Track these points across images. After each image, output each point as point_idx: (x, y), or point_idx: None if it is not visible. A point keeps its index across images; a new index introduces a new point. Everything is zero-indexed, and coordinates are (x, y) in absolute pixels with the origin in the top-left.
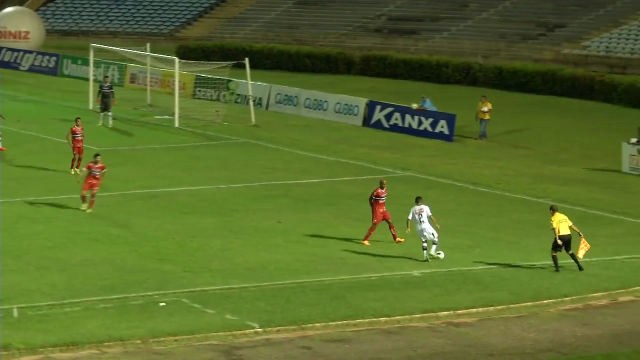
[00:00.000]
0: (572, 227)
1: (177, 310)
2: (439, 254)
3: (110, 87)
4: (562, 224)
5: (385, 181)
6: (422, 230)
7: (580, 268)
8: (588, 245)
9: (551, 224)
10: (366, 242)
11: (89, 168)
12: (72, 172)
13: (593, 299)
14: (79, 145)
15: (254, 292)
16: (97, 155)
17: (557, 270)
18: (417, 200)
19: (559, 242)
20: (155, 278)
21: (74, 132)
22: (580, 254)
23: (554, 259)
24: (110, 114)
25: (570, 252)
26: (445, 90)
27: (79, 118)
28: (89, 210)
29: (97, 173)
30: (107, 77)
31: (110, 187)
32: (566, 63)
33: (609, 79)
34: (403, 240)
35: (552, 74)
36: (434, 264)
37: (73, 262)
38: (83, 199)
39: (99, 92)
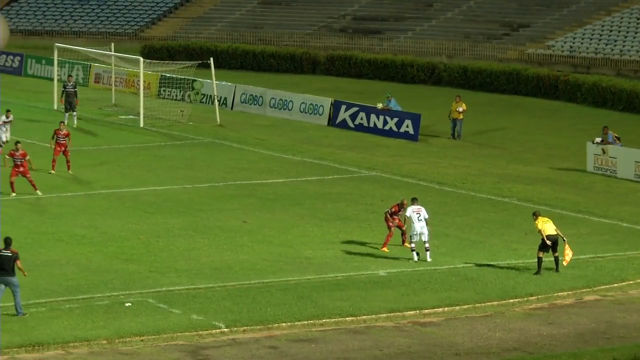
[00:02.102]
0: (556, 231)
1: (143, 311)
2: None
3: (74, 87)
4: (547, 224)
5: (406, 202)
6: (414, 230)
7: (557, 270)
8: (572, 251)
9: (536, 227)
10: (385, 249)
11: (11, 156)
12: (52, 172)
13: (558, 298)
14: (60, 149)
15: (220, 292)
16: (17, 142)
17: (539, 272)
18: (414, 201)
19: (548, 242)
20: (120, 278)
21: (57, 134)
22: (565, 261)
23: (539, 260)
24: (74, 113)
25: (556, 254)
26: (410, 89)
27: (62, 122)
28: (14, 195)
29: (19, 161)
30: (70, 76)
31: (75, 188)
32: (530, 63)
33: (573, 78)
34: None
35: (517, 73)
36: (399, 264)
37: (38, 262)
38: (12, 186)
39: (63, 91)
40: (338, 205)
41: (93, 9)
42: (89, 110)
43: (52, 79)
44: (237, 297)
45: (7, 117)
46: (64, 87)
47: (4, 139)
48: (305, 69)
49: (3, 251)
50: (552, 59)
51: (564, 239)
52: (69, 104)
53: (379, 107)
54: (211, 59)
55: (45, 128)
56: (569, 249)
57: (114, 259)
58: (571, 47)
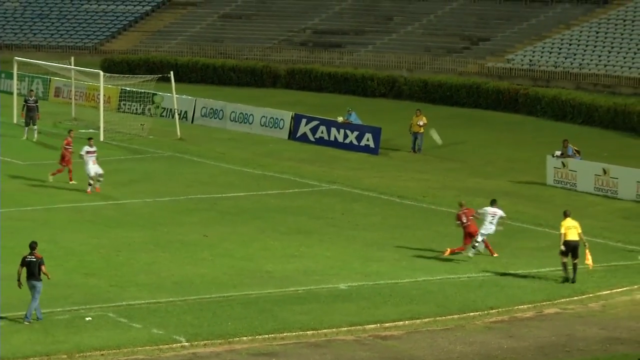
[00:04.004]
0: (580, 235)
1: (104, 325)
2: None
3: (36, 101)
4: (570, 230)
5: (463, 202)
6: (485, 229)
7: (573, 281)
8: (591, 255)
9: (560, 228)
10: (447, 253)
11: None
12: (51, 180)
13: (519, 311)
14: (68, 158)
15: (181, 306)
16: None
17: (565, 279)
18: (492, 203)
19: (562, 247)
20: (81, 292)
21: (68, 144)
22: (590, 265)
23: (563, 266)
24: (35, 127)
25: (575, 261)
26: (370, 103)
27: (71, 130)
28: None
29: None
30: (32, 90)
31: (35, 202)
32: (490, 76)
33: (533, 92)
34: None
35: (477, 87)
36: (360, 277)
37: None
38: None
39: (24, 106)
40: (299, 218)
41: (53, 23)
42: (49, 124)
43: (11, 93)
44: (198, 311)
45: (91, 146)
46: (25, 101)
47: (93, 173)
48: (266, 83)
49: (29, 256)
50: (512, 72)
51: (585, 244)
52: (30, 118)
53: (340, 121)
54: (171, 72)
55: (6, 142)
56: (588, 253)
57: (74, 273)
58: (531, 60)
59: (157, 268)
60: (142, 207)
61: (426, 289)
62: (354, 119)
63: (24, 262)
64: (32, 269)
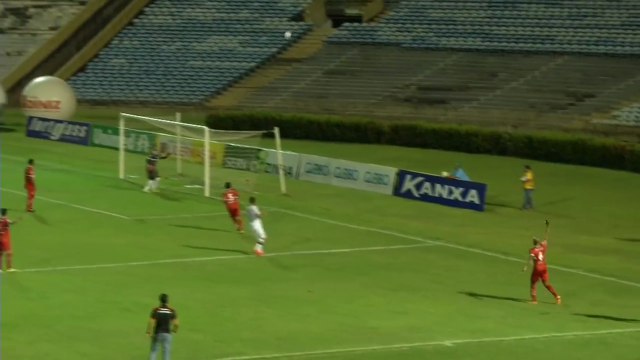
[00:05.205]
0: None
1: None
2: None
3: (157, 157)
4: None
5: (538, 239)
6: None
7: None
8: None
9: None
10: (535, 302)
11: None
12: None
13: None
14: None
15: None
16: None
17: None
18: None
19: None
20: (186, 347)
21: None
22: None
23: None
24: (154, 181)
25: None
26: (474, 159)
27: (229, 183)
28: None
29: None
30: (155, 145)
31: (141, 257)
32: (596, 132)
33: (639, 148)
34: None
35: (582, 143)
36: (465, 334)
37: (104, 331)
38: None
39: (149, 160)
40: (403, 275)
41: (159, 79)
42: (143, 190)
43: (117, 149)
44: None
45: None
46: (153, 157)
47: (264, 236)
48: (370, 139)
49: (162, 309)
50: (617, 128)
51: None
52: (153, 172)
53: (444, 176)
54: (276, 128)
55: (112, 197)
56: None
57: (180, 328)
58: (637, 117)
59: (262, 324)
60: (247, 263)
61: (532, 347)
62: (461, 174)
63: (156, 314)
64: (164, 322)
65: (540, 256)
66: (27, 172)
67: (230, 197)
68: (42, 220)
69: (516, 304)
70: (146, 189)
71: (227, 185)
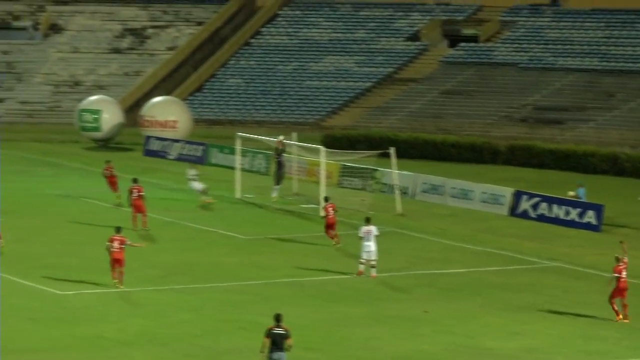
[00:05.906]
0: None
1: None
2: None
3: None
4: None
5: (620, 256)
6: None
7: None
8: None
9: None
10: (620, 317)
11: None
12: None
13: None
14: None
15: None
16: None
17: None
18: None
19: None
20: None
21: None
22: None
23: None
24: (277, 187)
25: None
26: (591, 180)
27: (326, 198)
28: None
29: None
30: (281, 136)
31: (256, 276)
32: None
33: None
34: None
35: None
36: (581, 356)
37: (220, 350)
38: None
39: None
40: (519, 295)
41: (275, 99)
42: (271, 199)
43: (233, 168)
44: None
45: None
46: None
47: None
48: (486, 159)
49: (276, 329)
50: None
51: None
52: (279, 175)
53: (570, 195)
54: (392, 148)
55: (227, 216)
56: None
57: (295, 347)
58: None
59: (377, 343)
60: (362, 282)
61: None
62: (582, 194)
63: (270, 334)
64: (278, 341)
65: (624, 274)
66: (139, 191)
67: (330, 211)
68: (157, 239)
69: (633, 326)
70: (274, 194)
71: (326, 200)
